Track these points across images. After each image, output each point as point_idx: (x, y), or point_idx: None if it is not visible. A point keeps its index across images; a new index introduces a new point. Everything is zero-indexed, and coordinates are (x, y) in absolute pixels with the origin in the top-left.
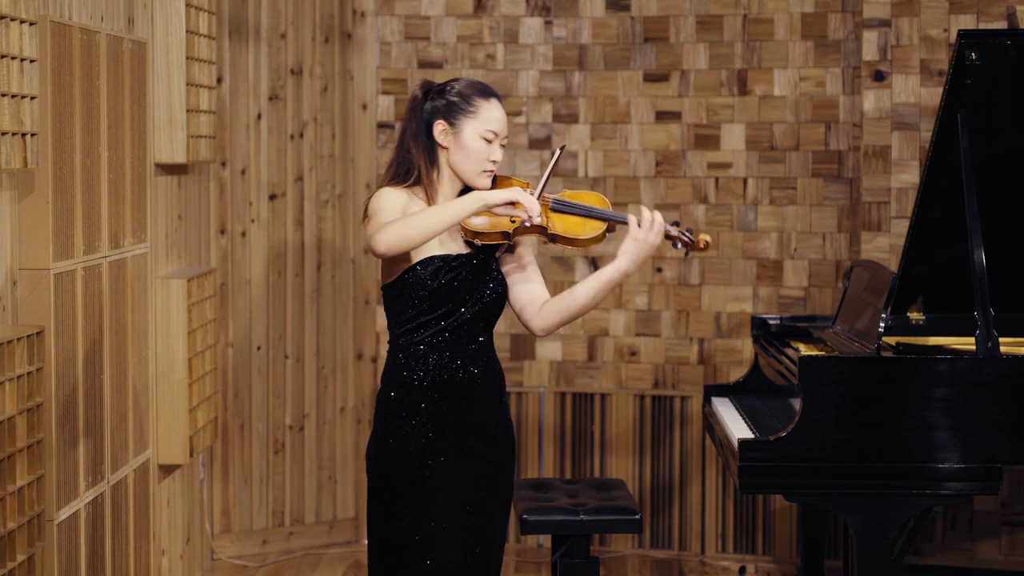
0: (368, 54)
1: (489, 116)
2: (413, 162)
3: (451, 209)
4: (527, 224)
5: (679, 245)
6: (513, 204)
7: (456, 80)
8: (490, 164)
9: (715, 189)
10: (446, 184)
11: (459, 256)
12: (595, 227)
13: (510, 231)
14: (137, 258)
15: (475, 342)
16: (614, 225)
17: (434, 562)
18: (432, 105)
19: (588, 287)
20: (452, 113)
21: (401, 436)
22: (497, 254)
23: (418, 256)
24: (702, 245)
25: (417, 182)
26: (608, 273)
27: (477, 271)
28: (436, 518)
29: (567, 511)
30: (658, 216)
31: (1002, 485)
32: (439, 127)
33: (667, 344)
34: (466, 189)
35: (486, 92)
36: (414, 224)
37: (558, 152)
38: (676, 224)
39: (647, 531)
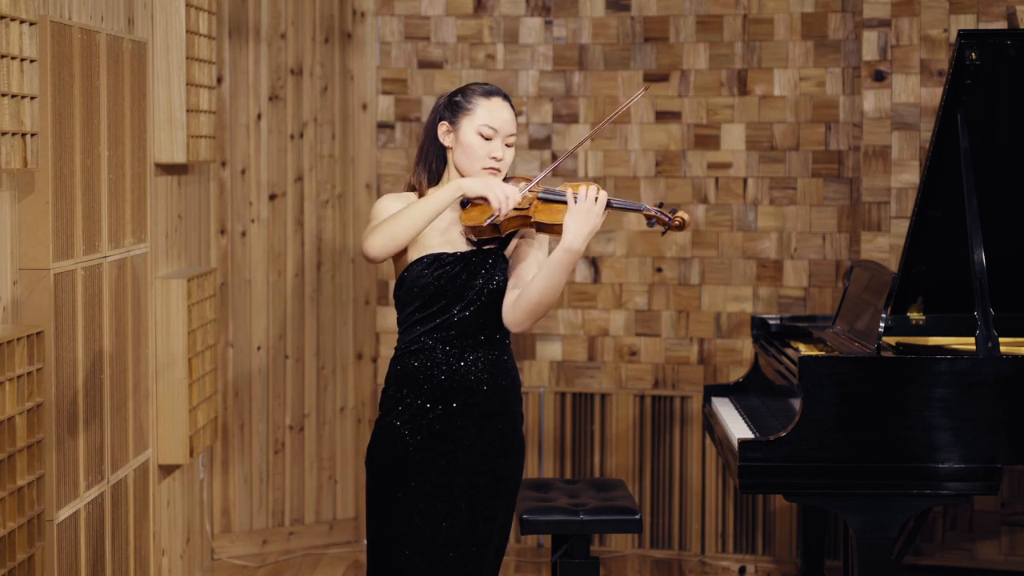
0: (368, 54)
1: (485, 112)
2: (425, 165)
3: (431, 200)
4: (501, 215)
5: (654, 224)
6: (485, 199)
7: (469, 84)
8: (491, 161)
9: (715, 189)
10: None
11: (454, 254)
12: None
13: (498, 223)
14: (137, 258)
15: (475, 341)
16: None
17: (422, 558)
18: (440, 109)
19: (542, 272)
20: (453, 113)
21: (391, 431)
22: (507, 252)
23: (415, 255)
24: (677, 223)
25: (432, 183)
26: (556, 253)
27: (474, 269)
28: (425, 515)
29: (567, 511)
30: (592, 191)
31: (1002, 485)
32: (442, 128)
33: (667, 344)
34: None
35: (488, 92)
36: (398, 221)
37: (565, 157)
38: (659, 205)
39: (647, 531)
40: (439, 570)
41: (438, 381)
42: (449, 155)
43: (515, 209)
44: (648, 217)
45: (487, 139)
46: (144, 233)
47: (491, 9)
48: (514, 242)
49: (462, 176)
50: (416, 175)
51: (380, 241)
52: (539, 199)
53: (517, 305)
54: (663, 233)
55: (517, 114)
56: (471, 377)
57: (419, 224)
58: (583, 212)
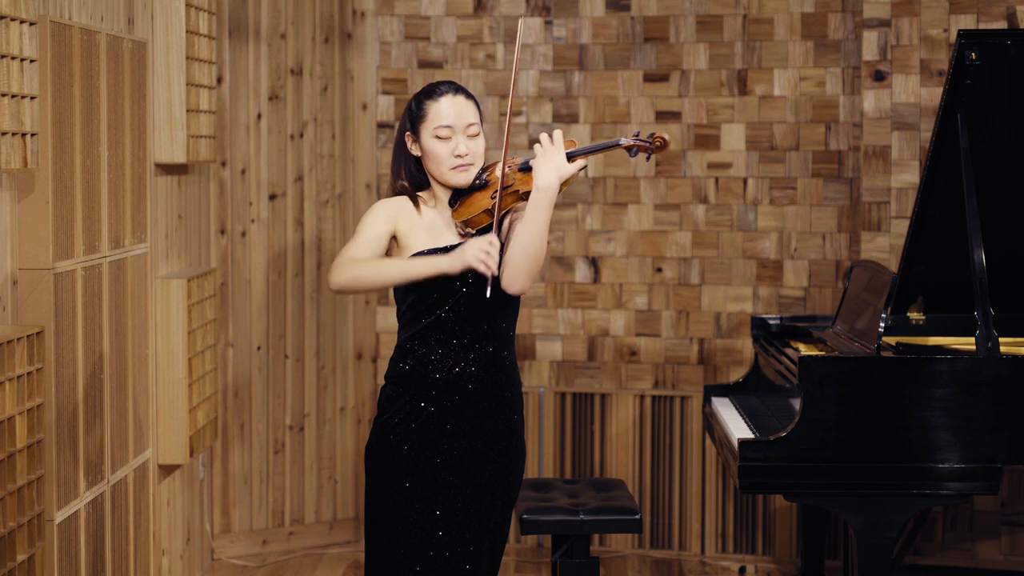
0: (368, 54)
1: (436, 114)
2: (404, 174)
3: (405, 267)
4: (497, 197)
5: (636, 153)
6: (473, 269)
7: (424, 87)
8: (456, 160)
9: (715, 189)
10: (437, 188)
11: (442, 248)
12: None
13: (491, 208)
14: (137, 258)
15: (471, 336)
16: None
17: (418, 557)
18: (403, 120)
19: (522, 220)
20: (412, 122)
21: (388, 430)
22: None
23: (407, 252)
24: (658, 143)
25: (419, 189)
26: (532, 195)
27: None
28: (420, 513)
29: (567, 511)
30: (545, 134)
31: (1002, 485)
32: (408, 140)
33: (667, 344)
34: (457, 191)
35: (433, 92)
36: (370, 269)
37: (508, 118)
38: (636, 135)
39: (647, 531)
40: (435, 569)
41: (432, 379)
42: (424, 163)
43: (502, 189)
44: (628, 148)
45: (446, 139)
46: (144, 233)
47: (491, 9)
48: (508, 220)
49: (438, 181)
50: (398, 182)
51: (345, 279)
52: (519, 171)
53: (506, 264)
54: (648, 158)
55: (516, 114)
56: (465, 375)
57: (388, 281)
58: (544, 151)
